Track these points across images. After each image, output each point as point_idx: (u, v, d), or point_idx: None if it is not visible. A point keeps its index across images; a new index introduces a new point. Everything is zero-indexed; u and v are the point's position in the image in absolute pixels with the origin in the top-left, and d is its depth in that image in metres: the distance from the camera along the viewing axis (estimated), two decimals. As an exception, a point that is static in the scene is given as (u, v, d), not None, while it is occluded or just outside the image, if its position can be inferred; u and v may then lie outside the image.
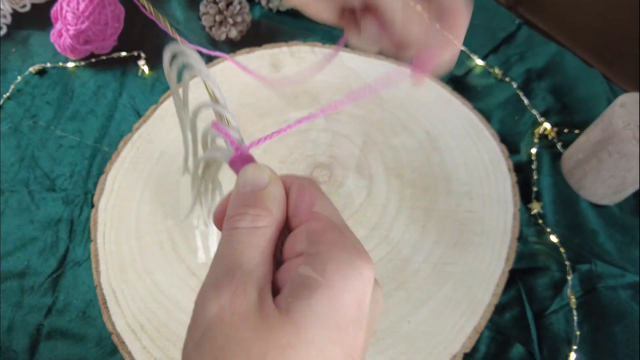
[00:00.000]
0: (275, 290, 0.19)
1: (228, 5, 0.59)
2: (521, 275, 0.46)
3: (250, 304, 0.17)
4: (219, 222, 0.22)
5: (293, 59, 0.58)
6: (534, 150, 0.55)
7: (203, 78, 0.22)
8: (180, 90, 0.24)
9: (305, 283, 0.18)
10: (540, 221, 0.50)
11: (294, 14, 0.65)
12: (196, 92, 0.24)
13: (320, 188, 0.22)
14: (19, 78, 0.58)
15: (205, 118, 0.23)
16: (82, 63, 0.59)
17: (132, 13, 0.61)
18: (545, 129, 0.56)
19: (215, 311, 0.17)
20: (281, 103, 0.55)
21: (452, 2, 0.25)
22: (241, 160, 0.22)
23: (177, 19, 0.64)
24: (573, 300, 0.45)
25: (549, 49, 0.64)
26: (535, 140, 0.56)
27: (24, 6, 0.60)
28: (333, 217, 0.20)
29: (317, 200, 0.21)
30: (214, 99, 0.23)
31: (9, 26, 0.61)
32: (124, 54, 0.60)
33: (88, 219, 0.47)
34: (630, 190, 0.49)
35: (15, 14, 0.61)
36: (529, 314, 0.44)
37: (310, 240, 0.19)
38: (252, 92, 0.55)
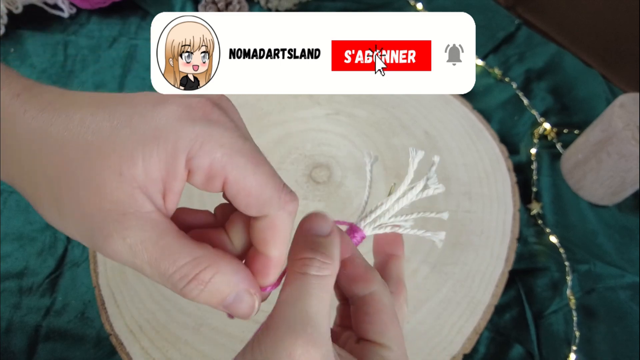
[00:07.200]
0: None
1: (227, 5, 0.59)
2: (521, 275, 0.46)
3: None
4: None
5: (292, 59, 0.58)
6: (533, 151, 0.55)
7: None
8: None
9: None
10: (539, 222, 0.50)
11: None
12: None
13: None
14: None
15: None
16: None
17: None
18: (544, 130, 0.56)
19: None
20: (281, 103, 0.55)
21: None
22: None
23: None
24: (572, 300, 0.45)
25: (548, 49, 0.64)
26: (535, 141, 0.56)
27: (17, 8, 0.60)
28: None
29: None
30: None
31: (6, 26, 0.61)
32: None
33: (87, 219, 0.47)
34: (630, 190, 0.49)
35: (10, 15, 0.61)
36: (529, 315, 0.44)
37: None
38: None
